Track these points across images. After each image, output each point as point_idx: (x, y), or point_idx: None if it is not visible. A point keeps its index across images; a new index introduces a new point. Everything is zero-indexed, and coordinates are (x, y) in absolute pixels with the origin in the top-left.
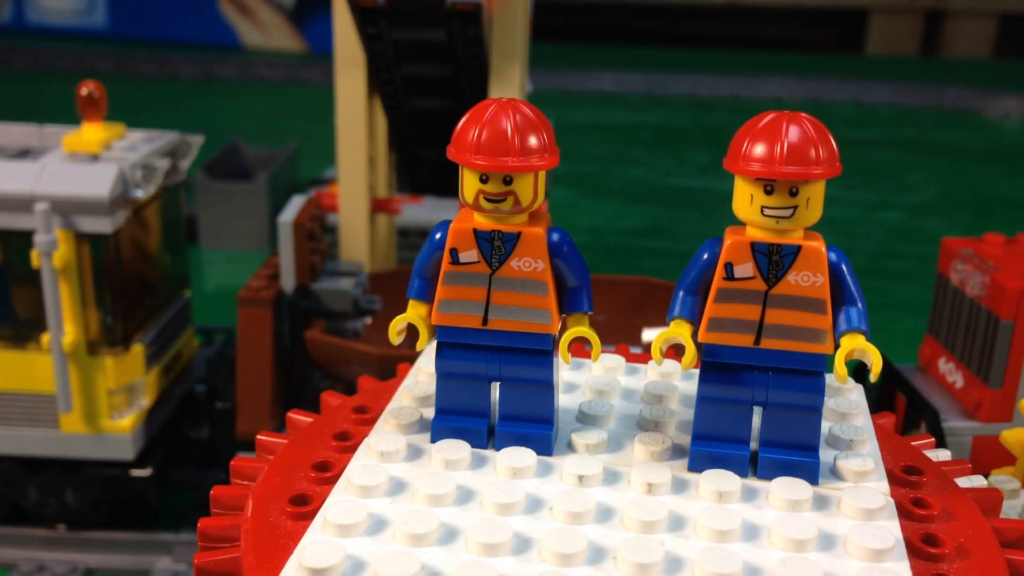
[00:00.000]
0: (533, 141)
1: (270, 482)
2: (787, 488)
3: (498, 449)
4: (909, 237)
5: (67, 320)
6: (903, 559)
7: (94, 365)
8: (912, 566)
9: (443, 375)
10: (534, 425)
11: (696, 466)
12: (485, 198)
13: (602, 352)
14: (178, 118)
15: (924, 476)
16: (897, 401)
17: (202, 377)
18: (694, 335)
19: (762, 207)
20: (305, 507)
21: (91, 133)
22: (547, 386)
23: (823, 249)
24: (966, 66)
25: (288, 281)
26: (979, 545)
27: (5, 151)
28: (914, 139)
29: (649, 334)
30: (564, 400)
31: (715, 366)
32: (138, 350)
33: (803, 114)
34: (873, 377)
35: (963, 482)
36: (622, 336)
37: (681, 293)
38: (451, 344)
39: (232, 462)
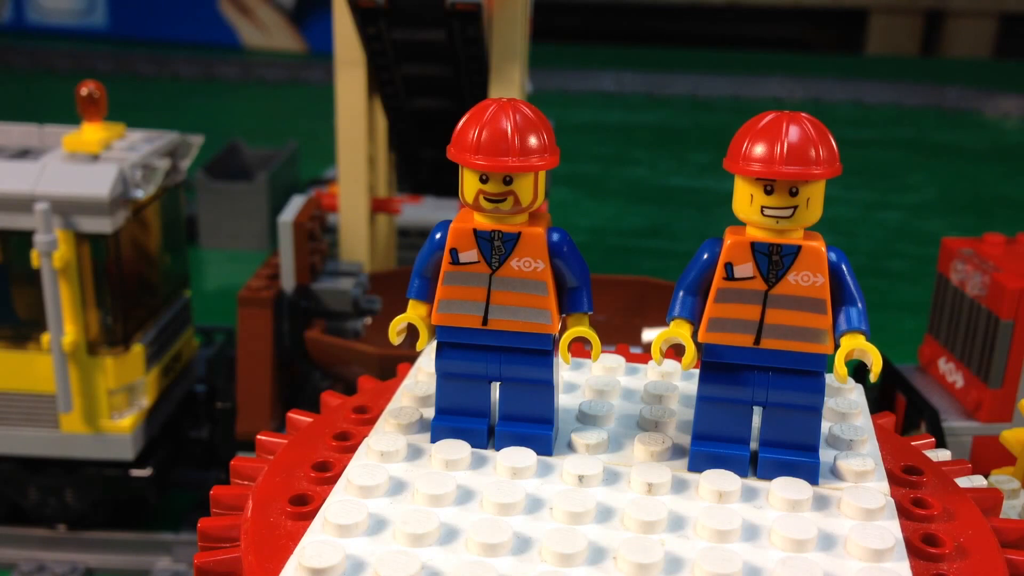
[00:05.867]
0: (533, 141)
1: (270, 482)
2: (787, 488)
3: (498, 449)
4: (909, 237)
5: (67, 320)
6: (903, 559)
7: (94, 365)
8: (912, 566)
9: (443, 375)
10: (534, 425)
11: (696, 466)
12: (485, 198)
13: (602, 352)
14: (178, 118)
15: (924, 476)
16: (897, 401)
17: (202, 377)
18: (694, 335)
19: (762, 207)
20: (305, 507)
21: (91, 133)
22: (547, 386)
23: (823, 249)
24: (966, 66)
25: (288, 281)
26: (979, 545)
27: (5, 151)
28: (914, 139)
29: (649, 334)
30: (564, 400)
31: (715, 366)
32: (138, 350)
33: (803, 114)
34: (873, 377)
35: (963, 482)
36: (622, 336)
37: (681, 293)
38: (451, 344)
39: (232, 462)
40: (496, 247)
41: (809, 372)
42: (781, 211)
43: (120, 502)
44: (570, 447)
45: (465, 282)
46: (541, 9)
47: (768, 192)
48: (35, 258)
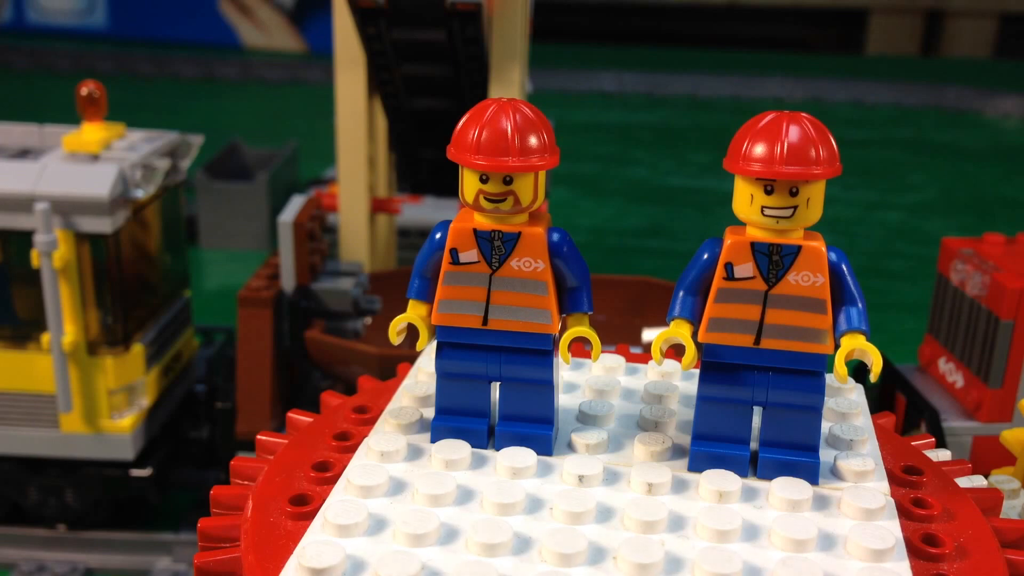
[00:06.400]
0: (533, 141)
1: (270, 482)
2: (787, 488)
3: (498, 449)
4: (909, 237)
5: (67, 320)
6: (903, 559)
7: (94, 365)
8: (912, 566)
9: (443, 375)
10: (534, 425)
11: (696, 466)
12: (485, 198)
13: (602, 352)
14: (178, 118)
15: (924, 476)
16: (897, 401)
17: (202, 377)
18: (694, 335)
19: (762, 207)
20: (305, 507)
21: (91, 133)
22: (547, 386)
23: (823, 249)
24: (966, 66)
25: (288, 281)
26: (979, 545)
27: (5, 151)
28: (914, 139)
29: (649, 334)
30: (564, 400)
31: (715, 366)
32: (138, 350)
33: (803, 114)
34: (873, 377)
35: (963, 482)
36: (622, 336)
37: (681, 293)
38: (451, 344)
39: (232, 462)
40: (496, 247)
41: (809, 372)
42: (781, 211)
43: (120, 502)
44: (570, 447)
45: (465, 282)
46: (541, 9)
47: (768, 192)
48: (35, 258)
